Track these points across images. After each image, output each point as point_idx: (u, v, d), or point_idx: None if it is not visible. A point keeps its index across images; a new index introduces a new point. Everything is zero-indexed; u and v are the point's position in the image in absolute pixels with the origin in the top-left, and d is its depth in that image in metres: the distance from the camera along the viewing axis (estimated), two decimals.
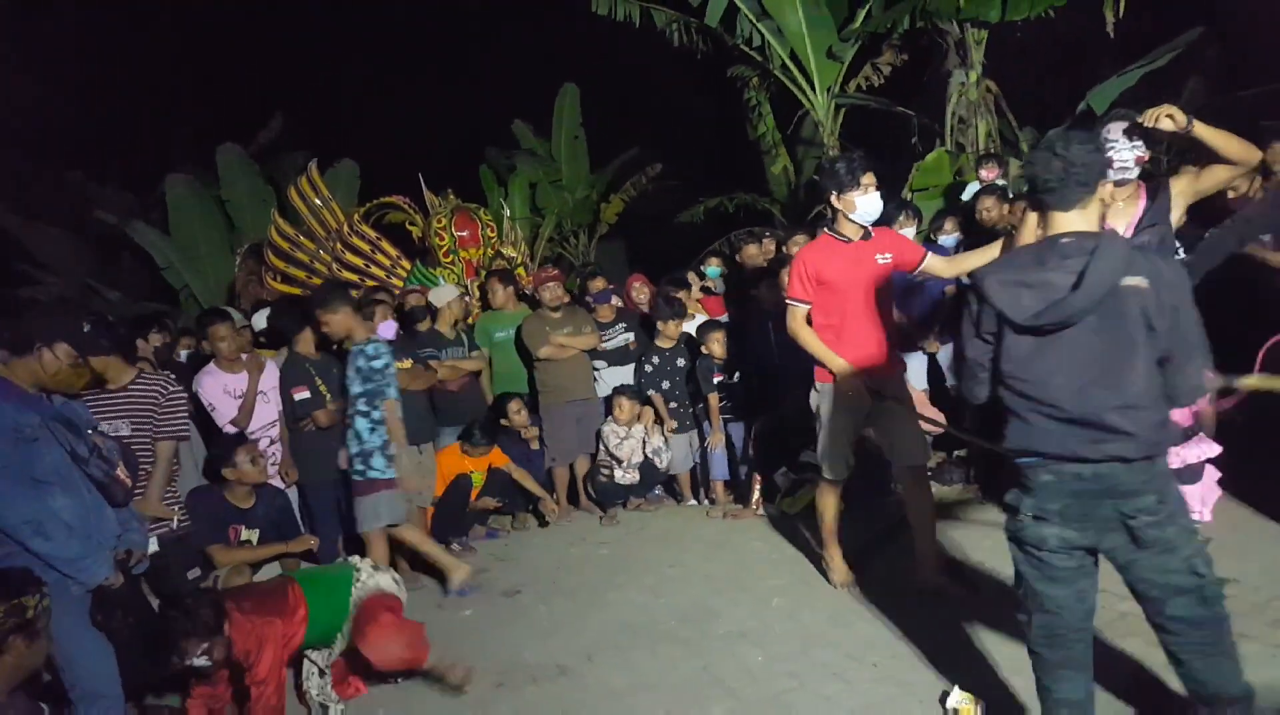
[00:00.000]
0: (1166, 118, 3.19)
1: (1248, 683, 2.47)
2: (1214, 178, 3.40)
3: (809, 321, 4.08)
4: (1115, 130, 3.41)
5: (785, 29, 9.03)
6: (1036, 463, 2.42)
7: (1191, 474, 3.60)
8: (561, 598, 4.77)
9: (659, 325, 6.25)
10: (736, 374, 5.93)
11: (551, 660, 3.98)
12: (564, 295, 6.46)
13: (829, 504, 4.30)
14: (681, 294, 6.47)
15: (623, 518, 6.09)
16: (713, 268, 7.13)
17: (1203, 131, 3.22)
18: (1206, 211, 4.23)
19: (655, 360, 6.21)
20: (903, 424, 4.05)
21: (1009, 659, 3.23)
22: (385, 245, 7.41)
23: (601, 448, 6.25)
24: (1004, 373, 2.44)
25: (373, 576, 3.81)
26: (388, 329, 5.51)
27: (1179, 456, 3.58)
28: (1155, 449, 2.34)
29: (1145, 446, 2.31)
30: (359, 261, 7.31)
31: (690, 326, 6.32)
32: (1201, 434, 3.61)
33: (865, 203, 3.91)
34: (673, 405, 6.21)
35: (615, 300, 6.74)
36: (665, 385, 6.21)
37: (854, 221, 3.98)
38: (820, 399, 4.16)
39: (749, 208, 11.76)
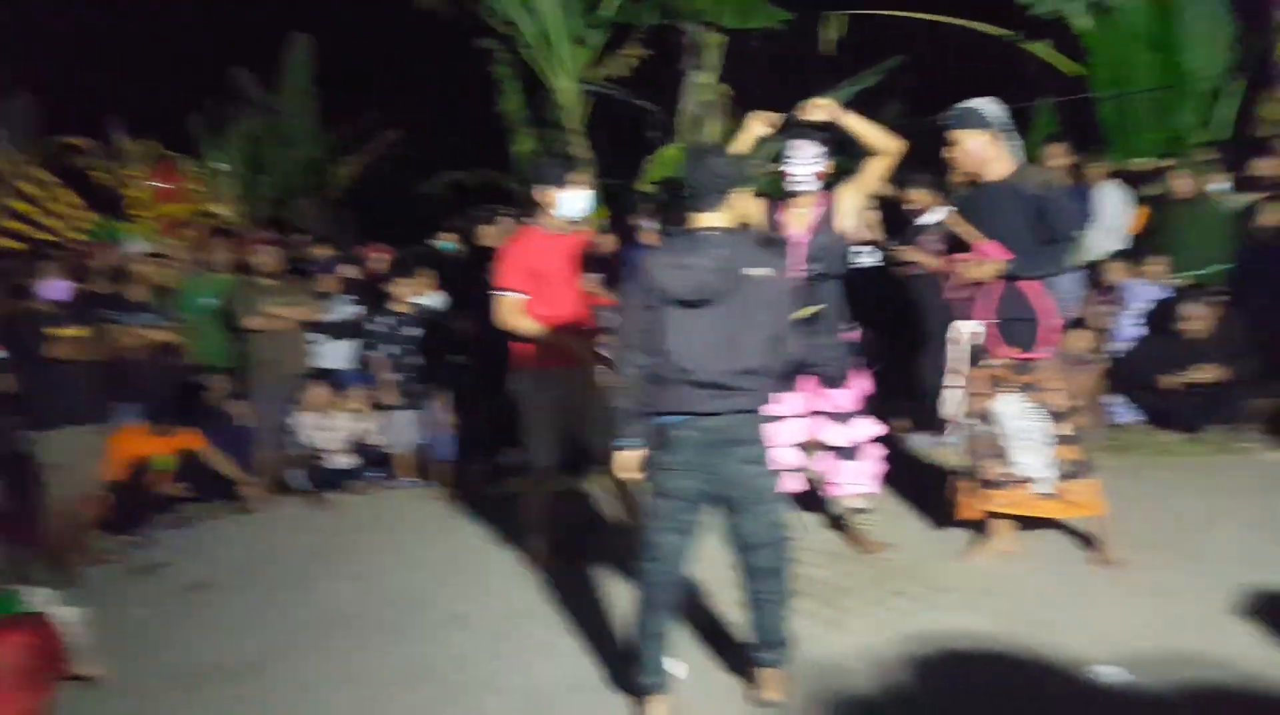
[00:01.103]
0: (820, 108, 3.66)
1: (792, 633, 2.98)
2: (872, 171, 3.79)
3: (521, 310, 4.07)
4: (794, 145, 3.79)
5: (536, 7, 8.98)
6: (677, 421, 2.79)
7: (855, 451, 3.98)
8: (258, 590, 4.46)
9: (390, 287, 5.99)
10: (469, 354, 5.82)
11: (241, 658, 3.71)
12: (280, 262, 6.01)
13: (538, 487, 4.33)
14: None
15: (339, 502, 5.80)
16: (446, 243, 6.94)
17: (851, 122, 3.67)
18: None
19: (383, 323, 5.93)
20: (598, 410, 4.09)
21: (719, 627, 3.43)
22: (64, 193, 6.53)
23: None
24: (656, 344, 2.78)
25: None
26: (57, 289, 4.85)
27: (846, 435, 3.95)
28: (763, 403, 2.85)
29: (758, 401, 2.82)
30: (31, 210, 6.39)
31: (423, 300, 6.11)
32: (867, 417, 3.99)
33: (569, 200, 4.08)
34: (399, 376, 5.96)
35: (343, 270, 6.37)
36: (393, 351, 5.94)
37: (558, 215, 4.09)
38: (520, 384, 4.18)
39: (491, 186, 11.59)
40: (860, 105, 8.17)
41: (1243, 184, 6.03)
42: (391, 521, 5.38)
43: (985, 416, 3.76)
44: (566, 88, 9.47)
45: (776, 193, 4.00)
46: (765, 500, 2.86)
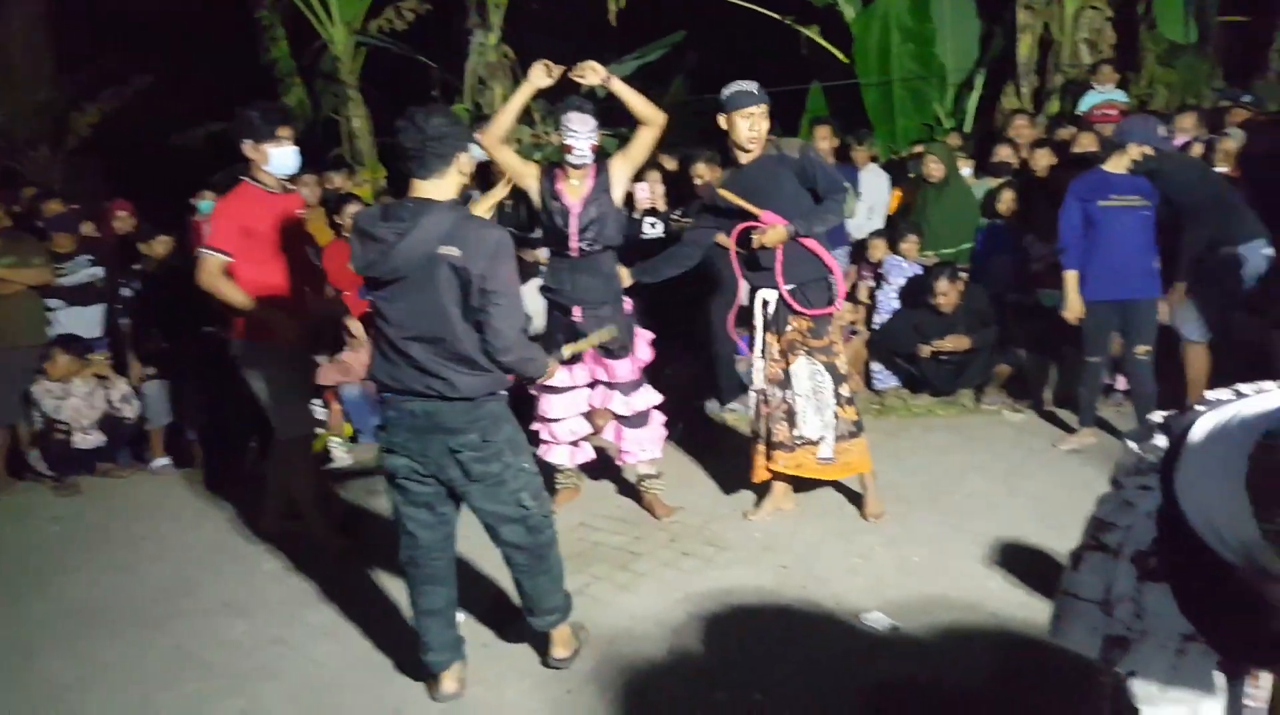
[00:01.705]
0: (592, 71, 3.69)
1: (567, 595, 2.97)
2: (640, 142, 3.86)
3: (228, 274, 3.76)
4: (573, 118, 3.81)
5: None
6: (388, 397, 2.68)
7: (640, 419, 4.09)
8: None
9: (142, 247, 5.41)
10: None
11: None
12: (3, 218, 5.29)
13: (294, 463, 4.06)
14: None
15: (86, 486, 5.22)
16: (205, 202, 6.37)
17: (619, 88, 3.74)
18: None
19: (130, 287, 5.36)
20: (280, 393, 3.92)
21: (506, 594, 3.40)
22: None
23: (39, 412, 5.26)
24: (375, 312, 2.67)
25: None
26: None
27: (630, 404, 4.03)
28: (473, 392, 2.62)
29: (461, 389, 2.60)
30: None
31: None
32: (647, 386, 4.09)
33: (278, 155, 3.82)
34: (147, 346, 5.42)
35: (83, 228, 5.68)
36: (141, 318, 5.39)
37: (270, 172, 3.84)
38: (244, 356, 3.90)
39: None
40: (645, 79, 8.33)
41: (985, 170, 6.66)
42: (147, 507, 4.92)
43: (781, 381, 3.93)
44: (339, 38, 8.95)
45: (555, 161, 3.99)
46: (496, 482, 2.70)
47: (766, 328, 3.93)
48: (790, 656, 3.02)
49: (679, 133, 7.09)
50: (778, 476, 4.06)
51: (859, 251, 6.46)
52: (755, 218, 3.75)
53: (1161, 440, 1.56)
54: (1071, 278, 4.75)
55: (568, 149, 3.83)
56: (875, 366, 6.09)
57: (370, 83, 9.28)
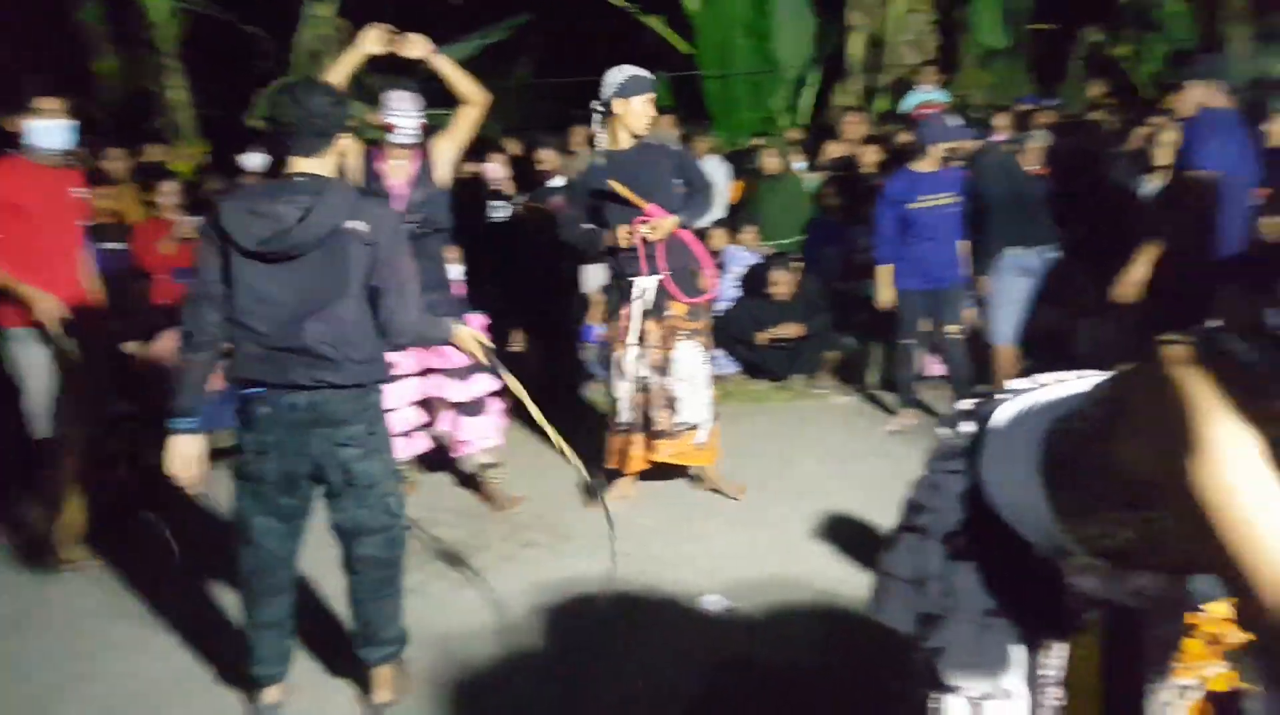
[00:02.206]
0: (415, 45, 3.59)
1: (404, 627, 2.74)
2: (462, 121, 3.79)
3: None
4: (393, 96, 3.72)
5: None
6: (257, 395, 2.49)
7: (477, 406, 4.01)
8: None
9: None
10: None
11: None
12: None
13: (65, 465, 3.71)
14: None
15: None
16: None
17: (441, 64, 3.66)
18: None
19: None
20: (73, 383, 3.65)
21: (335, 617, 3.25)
22: None
23: None
24: (233, 304, 2.46)
25: None
26: None
27: (466, 391, 3.95)
28: (366, 378, 2.52)
29: (355, 375, 2.48)
30: None
31: None
32: (484, 373, 4.02)
33: (40, 130, 3.54)
34: None
35: None
36: None
37: (33, 146, 3.56)
38: (13, 347, 3.60)
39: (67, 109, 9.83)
40: (487, 61, 8.17)
41: (817, 164, 6.90)
42: None
43: (662, 367, 3.94)
44: (156, 2, 8.31)
45: (377, 141, 3.85)
46: (370, 483, 2.55)
47: (646, 315, 3.95)
48: (630, 643, 3.03)
49: (525, 116, 7.01)
50: (652, 463, 4.09)
51: (700, 240, 6.55)
52: (640, 210, 3.78)
53: (968, 426, 1.64)
54: (884, 271, 5.09)
55: (390, 128, 3.71)
56: (717, 353, 6.21)
57: (193, 52, 8.67)
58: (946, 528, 1.60)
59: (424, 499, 4.21)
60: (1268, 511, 0.98)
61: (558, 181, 5.70)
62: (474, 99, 3.72)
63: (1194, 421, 1.05)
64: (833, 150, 6.74)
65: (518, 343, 5.50)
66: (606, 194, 3.83)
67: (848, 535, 3.72)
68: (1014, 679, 1.50)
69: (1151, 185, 5.03)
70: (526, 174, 6.00)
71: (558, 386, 5.65)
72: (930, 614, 1.58)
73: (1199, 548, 1.03)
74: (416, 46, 3.59)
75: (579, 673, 2.88)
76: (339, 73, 3.59)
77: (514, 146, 6.35)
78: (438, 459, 4.36)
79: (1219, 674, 1.65)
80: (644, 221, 3.79)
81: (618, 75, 3.83)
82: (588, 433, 4.60)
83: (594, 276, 6.04)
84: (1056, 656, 1.53)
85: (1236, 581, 0.98)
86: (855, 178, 6.40)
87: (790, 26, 8.15)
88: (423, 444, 4.09)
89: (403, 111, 3.71)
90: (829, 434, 5.14)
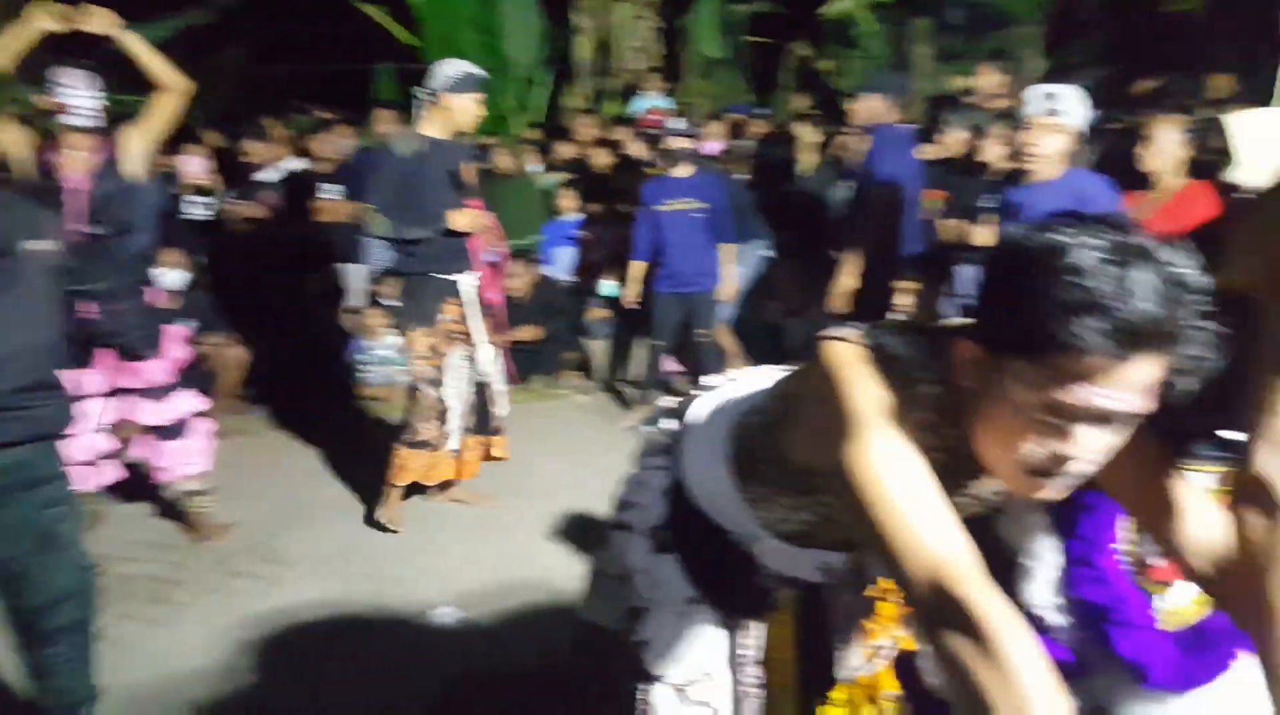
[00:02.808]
0: (98, 19, 3.19)
1: (93, 682, 2.35)
2: (157, 110, 3.42)
3: None
4: (62, 74, 3.30)
5: None
6: None
7: (177, 429, 3.64)
8: None
9: None
10: None
11: None
12: None
13: None
14: None
15: None
16: None
17: (130, 42, 3.29)
18: None
19: None
20: None
21: None
22: None
23: None
24: None
25: None
26: None
27: (163, 413, 3.58)
28: (62, 424, 2.18)
29: (56, 422, 2.15)
30: None
31: None
32: (188, 390, 3.66)
33: None
34: None
35: None
36: None
37: None
38: None
39: None
40: (192, 46, 7.47)
41: (550, 165, 6.92)
42: None
43: (438, 378, 3.75)
44: None
45: (50, 131, 3.38)
46: (60, 547, 2.17)
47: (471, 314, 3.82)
48: (351, 669, 2.84)
49: (236, 105, 6.48)
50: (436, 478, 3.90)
51: None
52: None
53: (670, 424, 1.66)
54: (635, 268, 5.17)
55: (61, 108, 3.26)
56: None
57: None
58: (651, 522, 1.60)
59: (115, 532, 3.74)
60: (913, 498, 1.03)
61: (267, 175, 5.30)
62: (170, 84, 3.35)
63: (850, 412, 1.09)
64: (564, 151, 6.77)
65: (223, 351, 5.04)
66: (444, 179, 3.69)
67: (585, 535, 3.73)
68: (715, 662, 1.53)
69: (842, 193, 5.47)
70: (233, 168, 5.53)
71: (323, 401, 5.29)
72: (636, 607, 1.58)
73: (858, 529, 1.08)
74: (98, 20, 3.17)
75: (294, 707, 2.66)
76: (4, 53, 3.10)
77: (213, 138, 5.83)
78: (135, 488, 3.89)
79: (908, 634, 1.79)
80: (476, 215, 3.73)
81: (452, 69, 3.68)
82: (297, 452, 4.37)
83: (357, 278, 5.72)
84: (754, 636, 1.58)
85: (887, 561, 1.03)
86: (588, 179, 6.48)
87: (518, 24, 8.12)
88: (112, 473, 3.63)
89: (75, 89, 3.26)
90: (569, 434, 5.15)
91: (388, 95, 7.70)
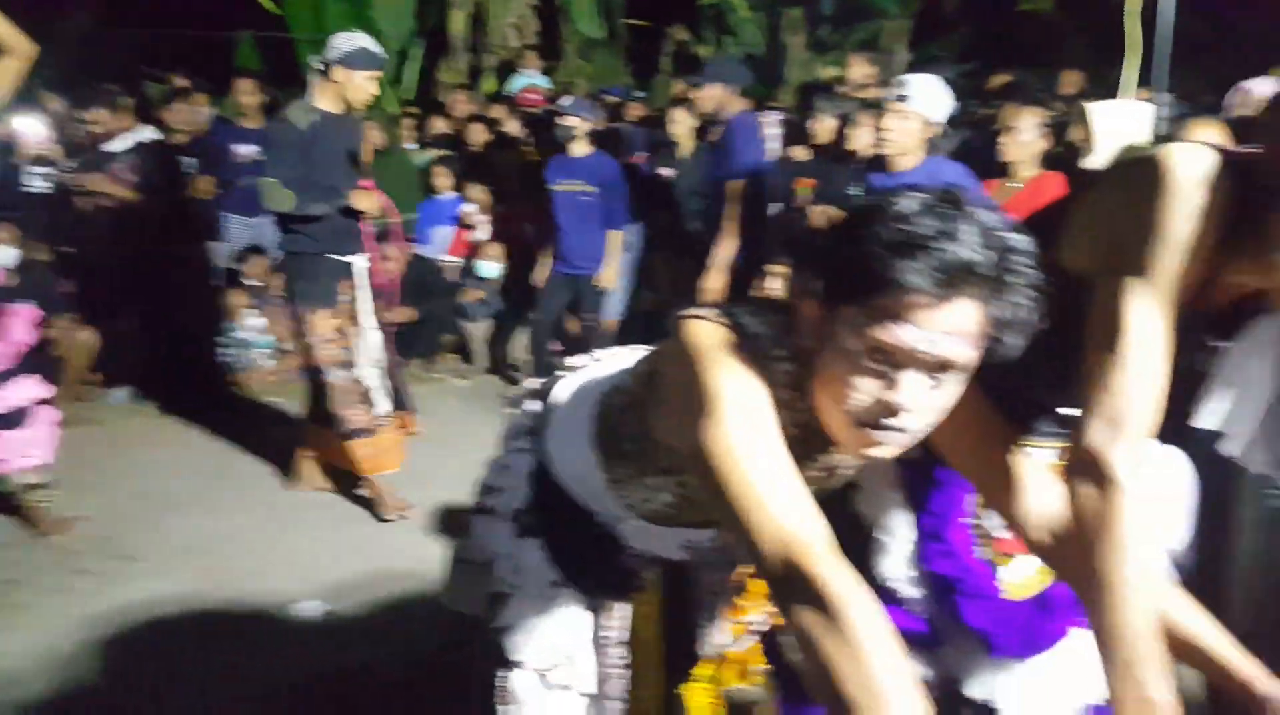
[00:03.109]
0: None
1: None
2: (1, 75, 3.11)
3: None
4: None
5: None
6: None
7: (17, 417, 3.38)
8: None
9: None
10: None
11: None
12: None
13: None
14: None
15: None
16: None
17: None
18: None
19: None
20: None
21: None
22: None
23: None
24: None
25: None
26: None
27: (8, 399, 3.33)
28: None
29: None
30: None
31: None
32: (30, 376, 3.41)
33: None
34: None
35: None
36: None
37: None
38: None
39: None
40: (35, 7, 6.90)
41: (424, 142, 6.73)
42: None
43: (349, 360, 3.60)
44: None
45: None
46: None
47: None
48: (204, 668, 2.70)
49: (82, 71, 6.04)
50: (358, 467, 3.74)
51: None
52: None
53: (535, 405, 1.63)
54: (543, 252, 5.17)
55: None
56: None
57: None
58: (516, 506, 1.57)
59: None
60: (767, 476, 1.04)
61: (115, 146, 4.96)
62: (17, 50, 3.04)
63: (706, 391, 1.09)
64: (438, 127, 6.61)
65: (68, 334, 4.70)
66: (341, 155, 3.56)
67: (460, 522, 3.64)
68: (579, 645, 1.52)
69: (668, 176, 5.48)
70: (79, 138, 5.14)
71: (179, 387, 4.99)
72: (499, 594, 1.55)
73: (714, 507, 1.08)
74: None
75: (139, 710, 2.51)
76: None
77: (55, 105, 5.41)
78: None
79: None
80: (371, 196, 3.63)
81: (347, 44, 3.50)
82: (148, 438, 4.14)
83: (218, 257, 5.42)
84: (619, 618, 1.57)
85: (741, 537, 1.04)
86: (464, 157, 6.33)
87: None
88: None
89: None
90: (445, 419, 5.03)
91: (249, 64, 7.32)
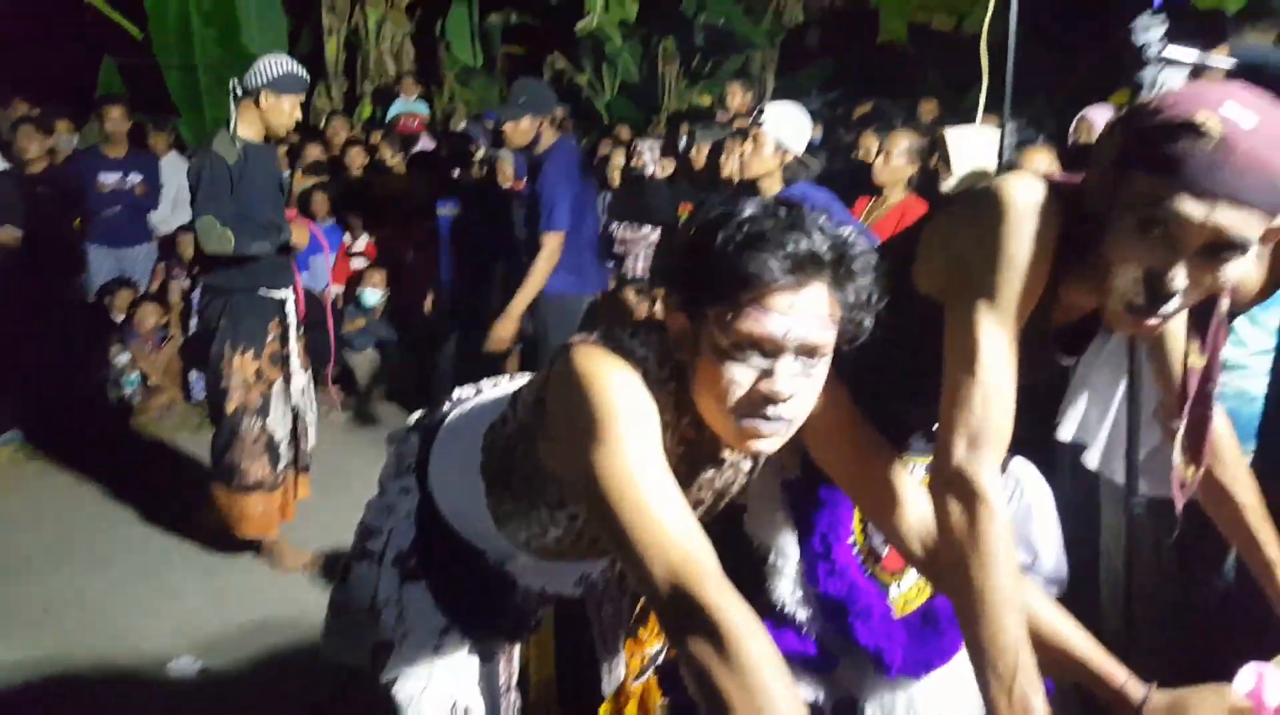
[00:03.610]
0: None
1: None
2: None
3: None
4: None
5: None
6: None
7: None
8: None
9: None
10: None
11: None
12: None
13: None
14: None
15: None
16: None
17: None
18: None
19: None
20: None
21: None
22: None
23: None
24: None
25: None
26: None
27: None
28: None
29: None
30: None
31: None
32: None
33: None
34: None
35: None
36: None
37: None
38: None
39: None
40: None
41: (301, 168, 6.52)
42: None
43: (265, 407, 3.39)
44: None
45: None
46: None
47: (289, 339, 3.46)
48: None
49: None
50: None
51: (168, 248, 5.85)
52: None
53: (415, 441, 1.58)
54: None
55: None
56: (195, 375, 5.56)
57: None
58: (400, 548, 1.52)
59: None
60: (655, 502, 1.04)
61: None
62: None
63: (595, 417, 1.09)
64: (314, 154, 6.43)
65: None
66: (271, 187, 3.41)
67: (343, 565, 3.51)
68: (471, 693, 1.47)
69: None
70: None
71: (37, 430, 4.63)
72: (384, 642, 1.48)
73: (603, 534, 1.08)
74: None
75: None
76: None
77: None
78: None
79: None
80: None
81: (273, 67, 3.28)
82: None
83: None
84: (513, 661, 1.53)
85: (630, 564, 1.03)
86: (342, 182, 6.17)
87: (259, 20, 7.61)
88: None
89: None
90: (325, 455, 4.84)
91: (112, 89, 6.97)
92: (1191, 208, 1.03)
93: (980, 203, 1.21)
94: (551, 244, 3.86)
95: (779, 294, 1.07)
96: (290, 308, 3.49)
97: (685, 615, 0.97)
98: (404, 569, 1.49)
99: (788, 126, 3.20)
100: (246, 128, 3.35)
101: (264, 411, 3.41)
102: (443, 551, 1.49)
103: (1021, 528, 1.80)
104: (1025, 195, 1.17)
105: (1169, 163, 1.05)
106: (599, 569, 1.55)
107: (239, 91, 3.35)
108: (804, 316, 1.08)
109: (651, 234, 5.08)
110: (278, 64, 3.35)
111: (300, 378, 3.53)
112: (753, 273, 1.06)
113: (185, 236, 5.79)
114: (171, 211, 5.93)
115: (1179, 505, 1.39)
